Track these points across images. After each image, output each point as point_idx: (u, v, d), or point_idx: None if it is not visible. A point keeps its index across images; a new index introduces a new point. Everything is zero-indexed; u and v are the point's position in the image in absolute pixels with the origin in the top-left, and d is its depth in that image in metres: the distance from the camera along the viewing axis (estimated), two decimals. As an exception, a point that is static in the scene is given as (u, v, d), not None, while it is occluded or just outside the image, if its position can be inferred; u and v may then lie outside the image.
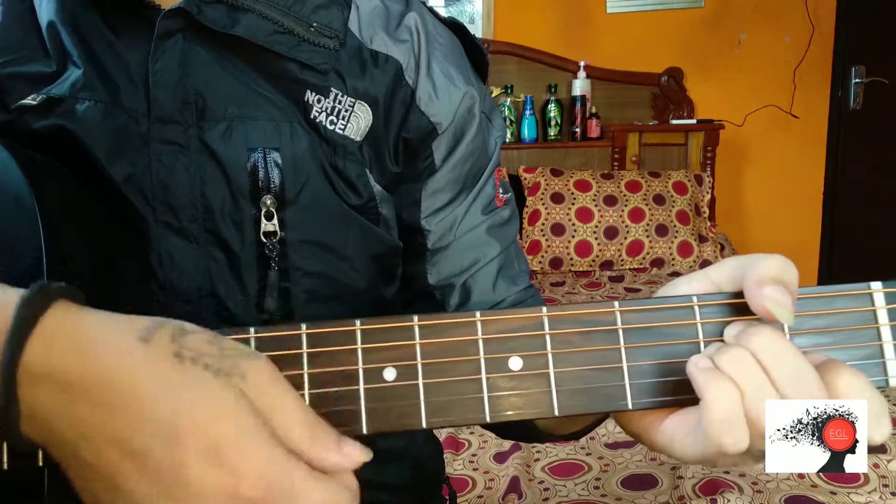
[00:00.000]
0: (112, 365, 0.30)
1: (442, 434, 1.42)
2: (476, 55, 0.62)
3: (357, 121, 0.55)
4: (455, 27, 0.62)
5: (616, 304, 0.37)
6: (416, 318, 0.35)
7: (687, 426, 0.37)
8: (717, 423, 0.34)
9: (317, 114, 0.54)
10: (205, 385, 0.30)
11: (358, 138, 0.55)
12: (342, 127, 0.54)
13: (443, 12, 0.64)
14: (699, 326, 0.37)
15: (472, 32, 0.64)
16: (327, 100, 0.54)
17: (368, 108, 0.55)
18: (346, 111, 0.54)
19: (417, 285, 0.62)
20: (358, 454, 0.33)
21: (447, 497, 0.75)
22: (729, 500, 1.15)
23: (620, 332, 0.36)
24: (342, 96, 0.54)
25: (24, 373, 0.30)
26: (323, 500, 0.31)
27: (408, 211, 0.59)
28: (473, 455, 1.40)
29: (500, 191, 0.62)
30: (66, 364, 0.30)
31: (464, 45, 0.62)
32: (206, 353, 0.31)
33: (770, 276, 0.35)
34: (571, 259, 2.50)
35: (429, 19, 0.59)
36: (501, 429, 0.65)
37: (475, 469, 1.35)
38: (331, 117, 0.54)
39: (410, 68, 0.57)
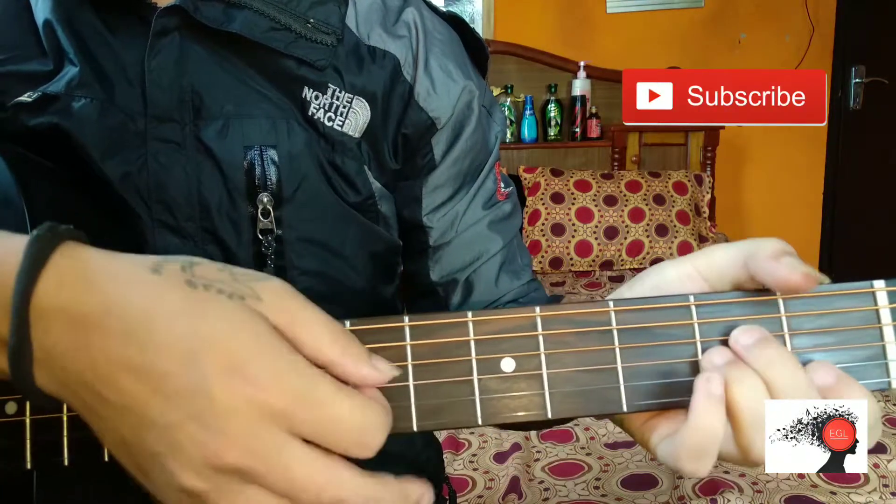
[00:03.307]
0: (125, 295, 0.30)
1: (442, 434, 1.42)
2: (476, 49, 0.62)
3: (355, 117, 0.54)
4: (454, 21, 0.62)
5: (611, 303, 0.36)
6: (406, 318, 0.34)
7: (667, 430, 0.36)
8: (689, 448, 0.33)
9: (314, 110, 0.53)
10: (219, 306, 0.30)
11: (356, 135, 0.54)
12: (340, 124, 0.54)
13: (442, 11, 0.63)
14: (696, 327, 0.36)
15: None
16: (325, 96, 0.54)
17: (366, 105, 0.55)
18: (344, 108, 0.54)
19: (420, 283, 0.61)
20: (389, 369, 0.32)
21: (447, 497, 0.74)
22: (729, 500, 1.14)
23: (615, 332, 0.36)
24: (340, 93, 0.54)
25: (35, 310, 0.29)
26: (352, 411, 0.30)
27: (409, 208, 0.59)
28: (473, 455, 1.40)
29: (502, 185, 0.62)
30: (78, 298, 0.29)
31: (463, 39, 0.61)
32: (218, 279, 0.31)
33: (781, 250, 0.35)
34: (571, 259, 2.50)
35: (427, 14, 0.59)
36: None
37: (475, 469, 1.35)
38: (328, 114, 0.54)
39: (408, 64, 0.56)
